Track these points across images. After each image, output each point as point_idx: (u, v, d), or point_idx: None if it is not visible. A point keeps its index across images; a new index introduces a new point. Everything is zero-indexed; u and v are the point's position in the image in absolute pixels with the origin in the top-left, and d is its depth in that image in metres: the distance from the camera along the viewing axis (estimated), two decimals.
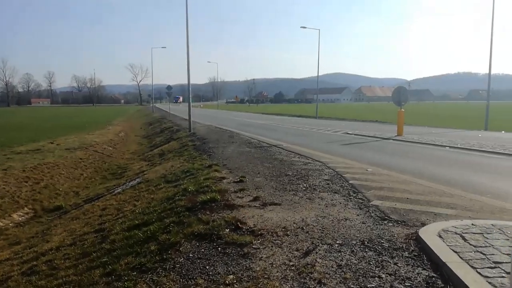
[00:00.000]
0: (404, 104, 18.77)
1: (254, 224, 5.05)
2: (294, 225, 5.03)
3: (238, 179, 8.09)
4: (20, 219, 11.15)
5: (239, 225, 4.98)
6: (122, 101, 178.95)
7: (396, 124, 18.82)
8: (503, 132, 20.87)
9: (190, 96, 22.27)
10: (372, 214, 5.47)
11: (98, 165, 19.30)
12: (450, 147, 13.25)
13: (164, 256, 4.33)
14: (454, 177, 8.12)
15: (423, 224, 4.94)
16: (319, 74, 45.68)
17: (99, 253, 5.35)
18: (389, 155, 12.02)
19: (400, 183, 7.55)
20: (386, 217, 5.30)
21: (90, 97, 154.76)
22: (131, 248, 4.97)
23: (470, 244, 3.98)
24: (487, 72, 25.26)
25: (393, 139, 16.33)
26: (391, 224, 5.01)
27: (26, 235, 9.37)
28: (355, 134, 19.01)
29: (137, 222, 6.16)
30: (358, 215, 5.44)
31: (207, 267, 4.01)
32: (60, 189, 14.51)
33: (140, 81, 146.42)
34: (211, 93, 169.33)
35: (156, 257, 4.37)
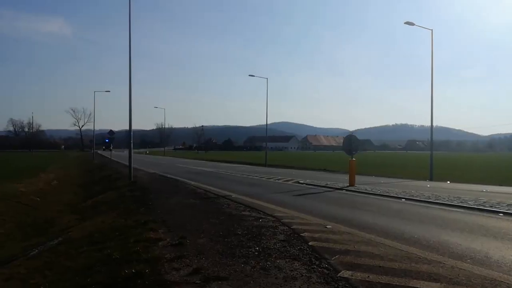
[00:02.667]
0: (355, 153, 18.36)
1: None
2: None
3: (177, 241, 6.74)
4: None
5: None
6: (63, 146, 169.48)
7: (347, 173, 18.33)
8: (449, 182, 21.11)
9: (132, 141, 20.66)
10: None
11: (21, 219, 16.83)
12: (406, 199, 12.67)
13: None
14: (423, 235, 7.27)
15: None
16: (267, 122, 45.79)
17: None
18: (346, 208, 11.17)
19: (367, 244, 6.54)
20: None
21: (28, 142, 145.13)
22: None
23: None
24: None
25: (346, 190, 15.66)
26: None
27: None
28: (306, 184, 18.22)
29: None
30: None
31: None
32: None
33: (82, 126, 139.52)
34: (158, 139, 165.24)
35: None
